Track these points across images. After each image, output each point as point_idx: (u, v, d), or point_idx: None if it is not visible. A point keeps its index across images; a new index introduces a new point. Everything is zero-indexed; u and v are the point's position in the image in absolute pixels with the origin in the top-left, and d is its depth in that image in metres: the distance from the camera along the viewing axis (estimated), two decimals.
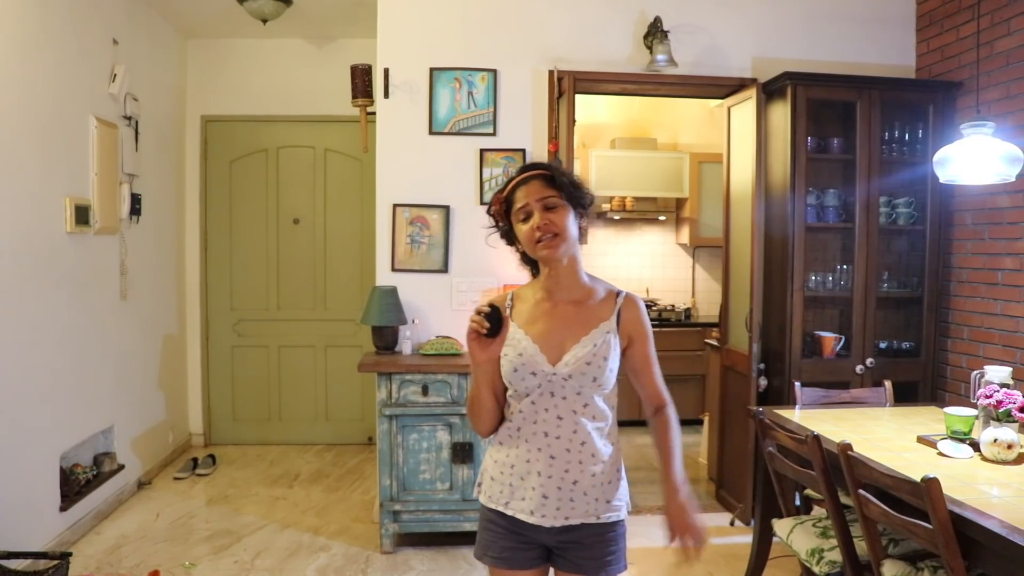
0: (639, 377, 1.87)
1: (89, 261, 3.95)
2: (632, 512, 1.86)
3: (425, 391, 3.64)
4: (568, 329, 1.79)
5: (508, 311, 1.84)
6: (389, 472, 3.65)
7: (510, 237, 1.86)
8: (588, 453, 1.77)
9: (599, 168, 6.16)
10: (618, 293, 1.86)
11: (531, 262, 1.88)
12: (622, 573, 1.85)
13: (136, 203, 4.48)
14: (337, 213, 5.59)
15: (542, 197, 1.76)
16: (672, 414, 1.87)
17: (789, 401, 3.55)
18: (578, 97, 4.14)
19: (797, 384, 3.38)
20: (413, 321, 3.99)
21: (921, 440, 2.72)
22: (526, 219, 1.77)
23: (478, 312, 1.69)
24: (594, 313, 1.81)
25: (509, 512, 1.80)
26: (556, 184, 1.78)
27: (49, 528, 3.52)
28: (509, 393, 1.83)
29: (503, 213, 1.82)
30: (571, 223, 1.78)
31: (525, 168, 1.85)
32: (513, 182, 1.82)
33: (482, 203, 4.04)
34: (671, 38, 4.00)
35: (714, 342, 4.79)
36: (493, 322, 1.68)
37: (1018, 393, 2.55)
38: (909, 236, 4.15)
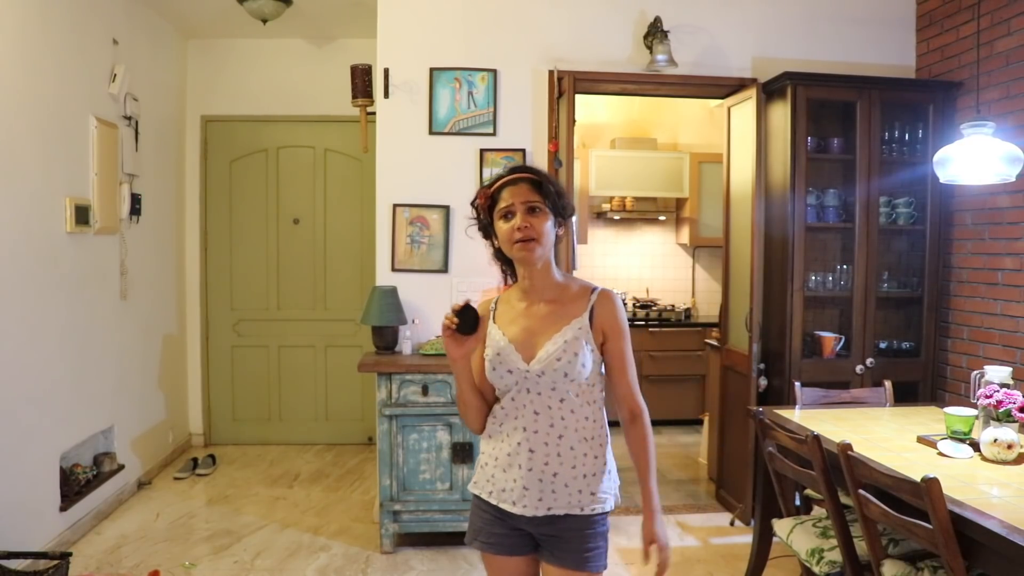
0: (612, 375, 1.88)
1: (89, 261, 3.95)
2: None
3: (425, 391, 3.64)
4: (541, 328, 1.85)
5: (492, 314, 1.91)
6: (389, 472, 3.65)
7: (487, 231, 1.92)
8: (567, 447, 1.82)
9: (599, 168, 6.16)
10: (592, 289, 1.89)
11: (504, 260, 1.93)
12: (603, 572, 1.88)
13: (136, 203, 4.48)
14: (337, 213, 5.59)
15: (527, 200, 1.81)
16: (648, 425, 1.90)
17: (789, 401, 3.55)
18: (578, 97, 4.15)
19: (797, 384, 3.38)
20: (413, 321, 3.99)
21: (921, 440, 2.72)
22: (507, 218, 1.82)
23: (452, 309, 1.77)
24: (566, 310, 1.86)
25: (493, 501, 1.87)
26: (542, 191, 1.83)
27: (49, 528, 3.52)
28: (495, 391, 1.91)
29: (486, 208, 1.88)
30: (549, 230, 1.83)
31: (515, 169, 1.89)
32: (501, 180, 1.86)
33: None
34: (671, 38, 4.00)
35: (714, 342, 4.79)
36: (466, 319, 1.76)
37: (1018, 393, 2.55)
38: (909, 236, 4.15)
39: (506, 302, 1.93)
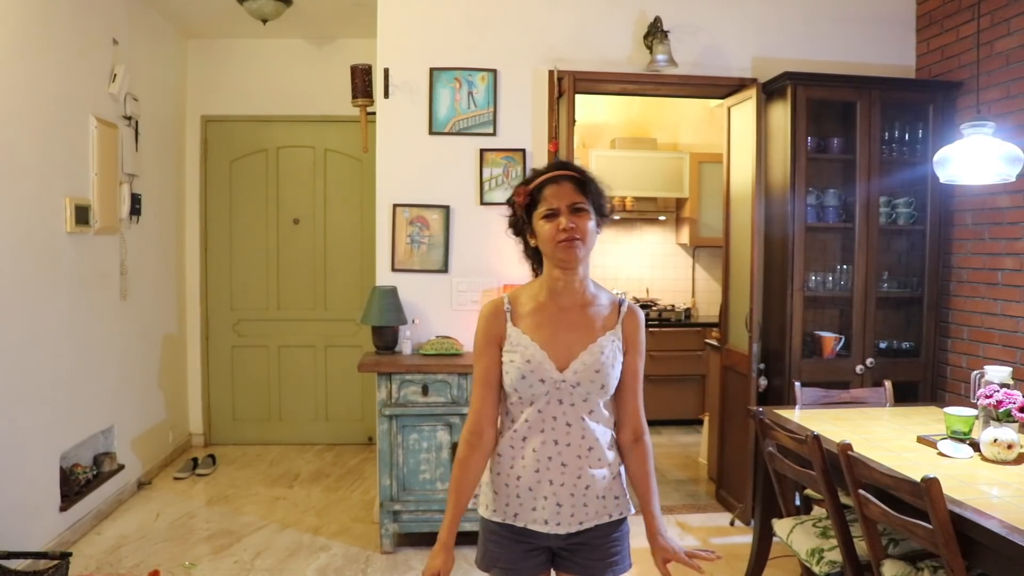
0: (624, 392, 1.82)
1: (89, 261, 3.95)
2: (636, 512, 1.88)
3: (425, 391, 3.64)
4: (575, 335, 1.76)
5: (507, 314, 1.80)
6: (389, 472, 3.65)
7: (519, 228, 1.81)
8: (596, 457, 1.77)
9: (599, 168, 6.14)
10: (621, 302, 1.84)
11: (535, 257, 1.84)
12: (627, 572, 1.86)
13: (136, 203, 4.48)
14: (337, 213, 5.59)
15: (572, 202, 1.73)
16: (650, 445, 1.87)
17: (789, 401, 3.55)
18: (578, 97, 4.14)
19: (797, 384, 3.38)
20: (413, 321, 3.99)
21: (921, 440, 2.72)
22: (549, 218, 1.73)
23: None
24: (600, 320, 1.78)
25: (519, 524, 1.79)
26: (586, 190, 1.75)
27: (49, 528, 3.52)
28: (511, 401, 1.80)
29: (524, 205, 1.77)
30: (592, 230, 1.75)
31: (556, 166, 1.81)
32: (543, 177, 1.77)
33: (482, 203, 4.04)
34: (671, 38, 4.00)
35: (714, 342, 4.79)
36: None
37: (1018, 393, 2.55)
38: (909, 236, 4.15)
39: (523, 303, 1.80)
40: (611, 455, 1.80)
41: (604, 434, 1.79)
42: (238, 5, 4.50)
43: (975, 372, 2.97)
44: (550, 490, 1.75)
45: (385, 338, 3.90)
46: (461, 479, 1.79)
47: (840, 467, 2.41)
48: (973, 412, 2.68)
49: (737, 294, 4.29)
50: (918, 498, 2.05)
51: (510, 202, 1.80)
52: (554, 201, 1.73)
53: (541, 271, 1.83)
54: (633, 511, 1.85)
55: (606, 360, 1.74)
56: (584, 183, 1.76)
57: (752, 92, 4.04)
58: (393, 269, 4.06)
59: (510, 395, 1.79)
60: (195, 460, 4.99)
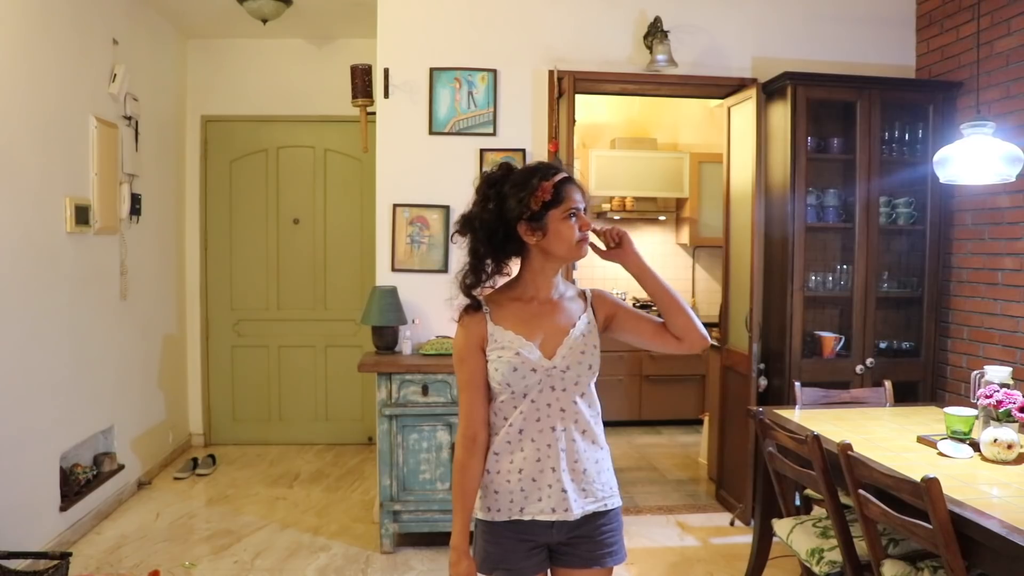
0: (644, 326, 1.93)
1: (89, 261, 3.95)
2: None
3: (425, 391, 3.64)
4: (556, 325, 1.84)
5: (487, 315, 1.83)
6: (389, 472, 3.65)
7: (509, 229, 1.77)
8: (590, 440, 1.84)
9: (599, 168, 6.16)
10: (584, 291, 1.95)
11: (519, 253, 1.82)
12: (623, 563, 1.91)
13: (136, 203, 4.48)
14: (337, 213, 5.59)
15: (584, 204, 1.82)
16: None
17: (789, 401, 3.55)
18: (578, 97, 4.14)
19: (797, 384, 3.38)
20: (413, 321, 3.99)
21: (921, 440, 2.72)
22: (571, 217, 1.79)
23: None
24: (572, 308, 1.89)
25: (526, 517, 1.80)
26: (583, 193, 1.84)
27: (49, 528, 3.52)
28: (502, 399, 1.82)
29: (542, 203, 1.75)
30: None
31: (555, 167, 1.82)
32: (560, 176, 1.78)
33: None
34: (671, 38, 4.00)
35: (714, 342, 4.79)
36: None
37: (1018, 393, 2.55)
38: (909, 236, 4.15)
39: (501, 304, 1.84)
40: (604, 440, 1.88)
41: (594, 416, 1.87)
42: (238, 5, 4.50)
43: (975, 372, 2.97)
44: (553, 477, 1.79)
45: (385, 338, 3.90)
46: (464, 483, 1.82)
47: (840, 467, 2.41)
48: (973, 412, 2.68)
49: (737, 294, 4.29)
50: (918, 498, 2.06)
51: (526, 200, 1.75)
52: (581, 202, 1.82)
53: (503, 268, 1.84)
54: (621, 503, 1.91)
55: (587, 342, 1.84)
56: (581, 188, 1.84)
57: (752, 92, 4.04)
58: (393, 269, 4.06)
59: (500, 393, 1.82)
60: (195, 460, 4.99)
